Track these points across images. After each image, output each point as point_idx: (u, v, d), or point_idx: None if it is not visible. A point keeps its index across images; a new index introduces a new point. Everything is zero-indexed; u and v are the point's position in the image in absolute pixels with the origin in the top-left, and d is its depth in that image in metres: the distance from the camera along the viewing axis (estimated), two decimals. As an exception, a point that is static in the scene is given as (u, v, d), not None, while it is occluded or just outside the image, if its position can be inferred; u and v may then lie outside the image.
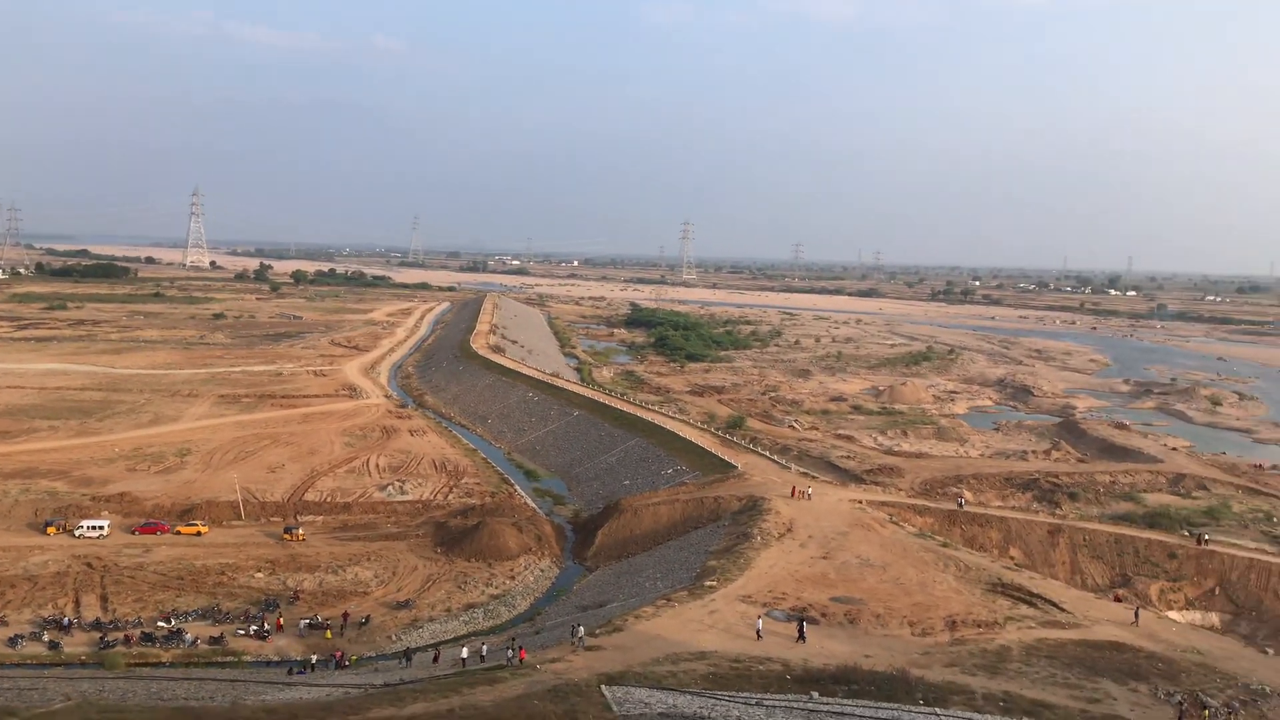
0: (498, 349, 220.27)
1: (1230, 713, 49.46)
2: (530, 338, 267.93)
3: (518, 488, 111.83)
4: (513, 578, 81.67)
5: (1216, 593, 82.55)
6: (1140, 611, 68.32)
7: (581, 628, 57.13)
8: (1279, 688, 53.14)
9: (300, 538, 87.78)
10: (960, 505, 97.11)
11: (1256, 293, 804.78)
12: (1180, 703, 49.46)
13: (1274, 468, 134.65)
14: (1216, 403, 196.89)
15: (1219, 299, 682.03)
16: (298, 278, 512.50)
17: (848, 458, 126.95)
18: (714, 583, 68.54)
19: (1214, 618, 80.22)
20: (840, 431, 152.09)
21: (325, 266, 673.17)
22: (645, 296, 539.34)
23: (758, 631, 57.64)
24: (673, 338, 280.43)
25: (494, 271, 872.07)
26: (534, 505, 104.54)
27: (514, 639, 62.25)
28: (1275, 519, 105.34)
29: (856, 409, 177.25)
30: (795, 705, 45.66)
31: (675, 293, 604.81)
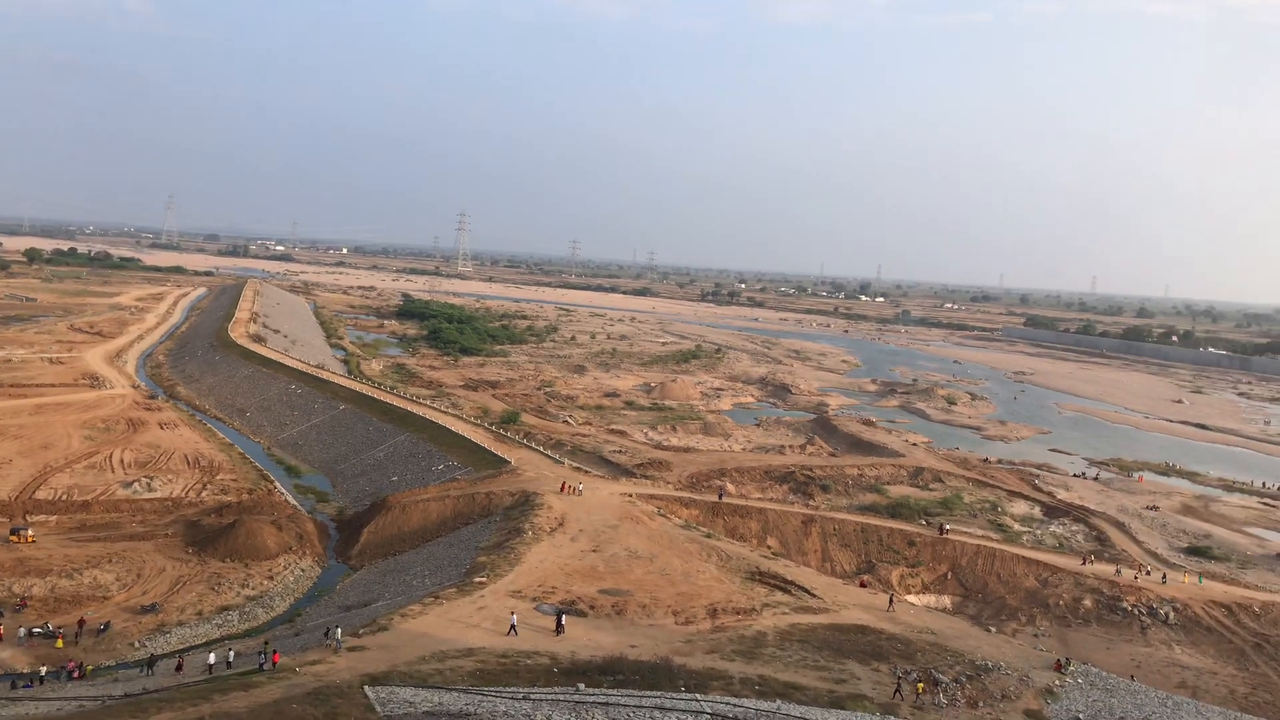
0: (258, 338, 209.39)
1: (959, 686, 54.28)
2: (294, 327, 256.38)
3: (278, 484, 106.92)
4: (271, 578, 78.07)
5: (949, 577, 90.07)
6: (894, 598, 73.74)
7: (339, 629, 55.35)
8: (999, 662, 58.78)
9: (29, 539, 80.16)
10: (721, 497, 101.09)
11: (987, 301, 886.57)
12: (899, 677, 53.99)
13: (999, 462, 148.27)
14: (952, 402, 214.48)
15: (956, 307, 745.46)
16: (32, 256, 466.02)
17: (620, 452, 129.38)
18: (484, 579, 68.22)
19: (946, 600, 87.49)
20: (613, 427, 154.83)
21: (65, 245, 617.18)
22: (419, 288, 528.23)
23: (512, 626, 57.67)
24: (447, 331, 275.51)
25: (256, 256, 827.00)
26: (295, 503, 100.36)
27: (267, 642, 59.50)
28: (1000, 509, 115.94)
29: (629, 405, 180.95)
30: (562, 698, 46.18)
31: (450, 285, 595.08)
